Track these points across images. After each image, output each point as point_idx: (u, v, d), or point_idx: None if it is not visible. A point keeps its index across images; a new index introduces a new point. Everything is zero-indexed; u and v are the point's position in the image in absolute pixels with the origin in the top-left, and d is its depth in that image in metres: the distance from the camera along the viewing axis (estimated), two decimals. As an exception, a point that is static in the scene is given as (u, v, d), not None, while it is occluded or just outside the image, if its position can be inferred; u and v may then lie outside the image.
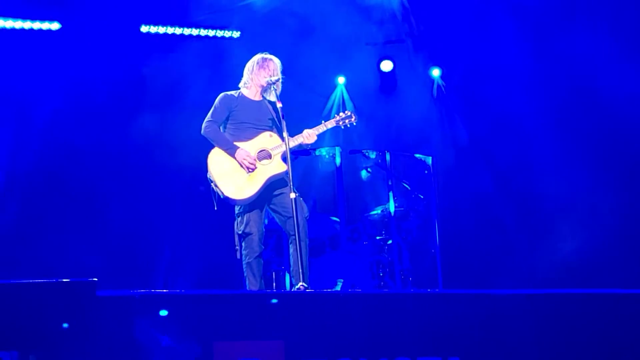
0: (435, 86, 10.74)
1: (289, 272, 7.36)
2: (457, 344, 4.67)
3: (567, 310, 4.90)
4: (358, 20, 9.92)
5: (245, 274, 6.01)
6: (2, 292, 3.90)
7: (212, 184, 5.95)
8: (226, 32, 9.78)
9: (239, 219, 6.01)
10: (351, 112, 6.41)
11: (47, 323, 3.85)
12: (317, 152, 8.55)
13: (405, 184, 9.03)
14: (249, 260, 5.97)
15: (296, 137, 6.10)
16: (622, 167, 9.54)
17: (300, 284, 5.69)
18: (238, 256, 6.02)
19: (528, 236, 10.28)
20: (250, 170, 5.91)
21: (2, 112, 8.89)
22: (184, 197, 9.21)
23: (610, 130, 9.50)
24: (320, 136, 6.32)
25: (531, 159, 10.24)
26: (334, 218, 8.75)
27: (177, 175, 9.21)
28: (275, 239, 8.51)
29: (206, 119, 6.07)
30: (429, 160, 9.05)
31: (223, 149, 5.97)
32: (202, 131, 6.05)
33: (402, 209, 8.89)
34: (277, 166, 6.00)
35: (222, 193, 5.89)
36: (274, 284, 8.22)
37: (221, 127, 6.12)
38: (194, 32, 9.69)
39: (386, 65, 10.61)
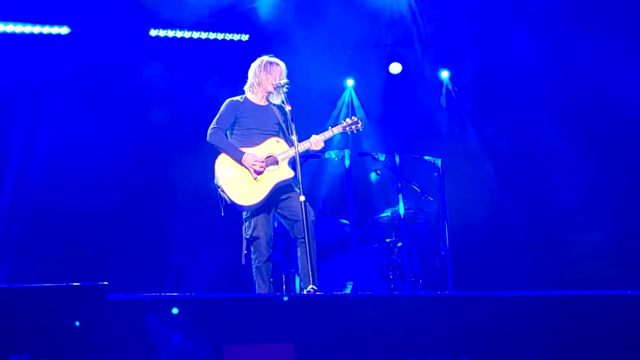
0: (444, 88, 10.74)
1: (298, 275, 7.36)
2: (467, 346, 4.66)
3: (577, 311, 4.88)
4: (367, 22, 9.92)
5: (254, 278, 6.00)
6: (14, 296, 3.92)
7: (219, 190, 5.94)
8: (235, 35, 9.81)
9: (247, 223, 6.00)
10: (358, 118, 6.40)
11: (58, 327, 3.87)
12: (326, 155, 8.55)
13: (414, 186, 9.02)
14: (258, 264, 5.97)
15: (303, 142, 6.06)
16: (634, 169, 9.49)
17: (310, 286, 5.69)
18: (243, 261, 6.02)
19: (538, 238, 10.26)
20: (258, 174, 5.90)
21: (14, 116, 8.93)
22: (194, 201, 9.22)
23: (622, 133, 9.46)
24: (329, 139, 6.31)
25: (541, 160, 10.22)
26: (344, 221, 8.75)
27: (186, 179, 9.23)
28: (284, 242, 8.51)
29: (211, 126, 6.03)
30: (439, 162, 9.04)
31: (229, 156, 5.96)
32: (207, 138, 6.01)
33: (412, 211, 8.88)
34: (284, 172, 5.99)
35: (230, 199, 5.88)
36: (284, 287, 8.22)
37: (227, 133, 6.10)
38: (203, 35, 9.71)
39: (395, 68, 10.61)
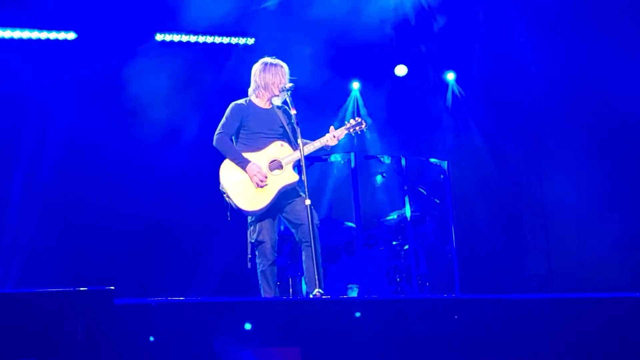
0: (450, 90, 10.73)
1: (304, 279, 7.35)
2: (475, 350, 4.64)
3: (586, 314, 4.86)
4: (372, 25, 9.92)
5: (259, 282, 6.00)
6: (21, 301, 3.92)
7: (224, 195, 5.94)
8: (240, 39, 9.82)
9: (252, 227, 6.00)
10: (362, 119, 6.37)
11: (64, 332, 3.87)
12: (331, 158, 8.54)
13: (421, 189, 9.01)
14: (263, 268, 5.97)
15: (318, 140, 6.04)
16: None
17: (317, 290, 5.68)
18: (249, 265, 6.02)
19: (545, 240, 10.24)
20: (260, 186, 5.89)
21: (22, 121, 8.96)
22: (201, 205, 9.23)
23: (629, 135, 9.43)
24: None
25: (548, 162, 10.20)
26: (350, 224, 8.75)
27: (193, 183, 9.24)
28: (290, 246, 8.51)
29: (217, 131, 6.01)
30: (445, 164, 9.03)
31: (234, 162, 5.95)
32: (213, 142, 6.00)
33: (418, 213, 8.87)
34: (288, 176, 5.97)
35: (235, 204, 5.88)
36: (290, 290, 8.22)
37: (232, 138, 6.10)
38: (209, 39, 9.73)
39: (401, 70, 10.60)
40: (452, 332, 4.66)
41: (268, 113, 6.12)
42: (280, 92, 6.08)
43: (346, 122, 6.35)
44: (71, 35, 9.09)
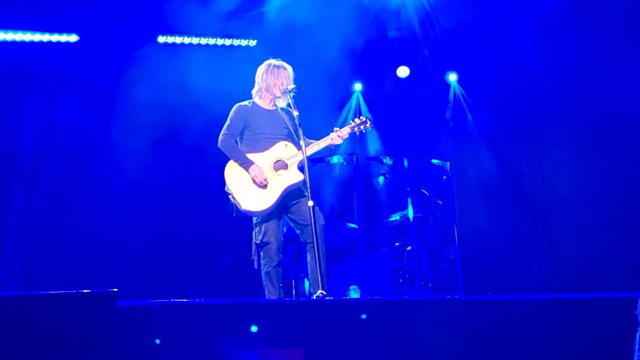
0: (452, 91, 10.73)
1: (308, 280, 7.36)
2: (478, 350, 4.64)
3: (588, 315, 4.86)
4: (374, 26, 9.93)
5: (264, 283, 6.00)
6: (24, 304, 3.93)
7: (229, 196, 5.95)
8: (242, 40, 9.83)
9: (257, 228, 6.01)
10: (366, 118, 6.36)
11: (67, 334, 3.88)
12: (334, 159, 8.54)
13: (423, 190, 9.01)
14: (268, 270, 5.97)
15: (323, 139, 6.06)
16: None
17: (320, 291, 5.68)
18: (255, 266, 6.01)
19: (547, 241, 10.23)
20: (262, 187, 5.90)
21: (23, 124, 8.97)
22: (204, 206, 9.23)
23: (632, 136, 9.42)
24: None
25: (550, 163, 10.19)
26: (352, 225, 8.74)
27: (196, 184, 9.25)
28: (294, 247, 8.51)
29: (222, 132, 6.04)
30: (447, 165, 9.03)
31: (238, 164, 5.96)
32: (218, 144, 6.03)
33: (421, 215, 8.87)
34: (293, 176, 5.98)
35: (240, 205, 5.89)
36: (294, 292, 8.22)
37: (237, 139, 6.10)
38: (211, 41, 9.73)
39: (403, 71, 10.61)
40: (455, 332, 4.66)
41: (271, 114, 6.14)
42: (282, 93, 6.10)
43: (350, 122, 6.35)
44: (73, 38, 9.10)
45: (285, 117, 6.14)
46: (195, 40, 9.68)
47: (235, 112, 6.10)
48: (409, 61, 10.60)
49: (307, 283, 7.88)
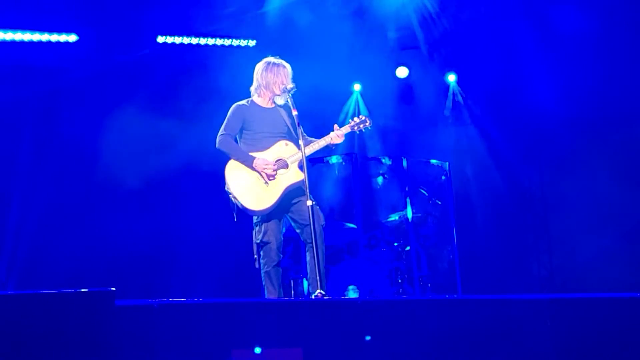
0: (450, 91, 10.73)
1: (307, 280, 7.36)
2: (477, 350, 4.64)
3: (587, 315, 4.85)
4: (373, 27, 9.93)
5: (264, 283, 5.99)
6: (22, 303, 3.92)
7: (230, 196, 5.93)
8: (242, 41, 9.82)
9: (257, 228, 5.99)
10: (365, 117, 6.35)
11: (66, 333, 3.87)
12: (333, 159, 8.55)
13: (422, 190, 9.02)
14: (268, 269, 5.95)
15: (324, 138, 6.04)
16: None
17: (318, 291, 5.67)
18: (257, 265, 5.99)
19: (546, 241, 10.23)
20: (271, 178, 5.88)
21: (22, 123, 8.97)
22: (202, 206, 9.24)
23: (632, 136, 9.43)
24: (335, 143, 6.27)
25: (549, 163, 10.20)
26: (351, 225, 8.74)
27: (195, 183, 9.25)
28: (293, 247, 8.51)
29: (220, 132, 5.99)
30: (446, 165, 9.03)
31: (240, 161, 5.93)
32: (216, 144, 5.99)
33: (420, 215, 8.87)
34: (294, 175, 5.97)
35: (241, 205, 5.86)
36: (292, 292, 8.22)
37: (237, 138, 6.07)
38: (210, 41, 9.73)
39: (402, 72, 10.61)
40: (453, 332, 4.65)
41: (271, 112, 6.11)
42: (282, 92, 6.07)
43: (350, 120, 6.34)
44: (73, 38, 9.10)
45: (285, 115, 6.10)
46: (194, 41, 9.68)
47: (233, 112, 6.07)
48: (408, 62, 10.61)
49: (305, 283, 7.88)
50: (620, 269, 9.09)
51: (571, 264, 9.77)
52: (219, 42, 9.76)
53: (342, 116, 10.52)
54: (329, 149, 6.23)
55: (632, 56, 9.24)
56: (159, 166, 9.26)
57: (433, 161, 9.07)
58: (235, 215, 5.94)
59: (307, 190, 5.75)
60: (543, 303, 4.90)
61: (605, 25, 9.35)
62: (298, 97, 6.10)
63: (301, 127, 5.88)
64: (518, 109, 10.41)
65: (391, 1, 9.83)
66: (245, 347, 4.29)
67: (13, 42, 8.86)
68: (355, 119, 6.31)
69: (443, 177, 9.04)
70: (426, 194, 9.00)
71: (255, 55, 6.50)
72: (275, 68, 6.09)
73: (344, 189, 9.42)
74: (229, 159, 5.97)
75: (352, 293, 8.25)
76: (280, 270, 6.07)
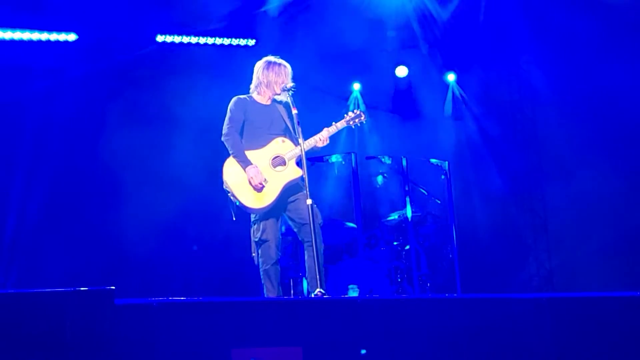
0: (450, 91, 10.73)
1: (306, 279, 7.35)
2: (476, 349, 4.64)
3: (586, 314, 4.85)
4: (373, 26, 9.93)
5: (262, 281, 5.99)
6: (21, 301, 3.92)
7: (228, 194, 5.93)
8: (242, 40, 9.82)
9: (255, 226, 5.99)
10: (360, 111, 6.35)
11: (65, 332, 3.87)
12: (332, 158, 8.54)
13: (422, 189, 9.02)
14: (266, 268, 5.95)
15: (309, 140, 6.06)
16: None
17: (318, 290, 5.67)
18: (256, 262, 6.00)
19: (545, 240, 10.24)
20: (257, 190, 5.87)
21: (21, 122, 8.97)
22: (202, 204, 9.23)
23: (630, 135, 9.43)
24: (335, 141, 6.29)
25: (548, 163, 10.21)
26: (351, 224, 8.74)
27: (194, 182, 9.24)
28: (292, 246, 8.50)
29: (226, 125, 6.00)
30: (446, 165, 9.03)
31: (237, 161, 5.93)
32: (222, 137, 6.00)
33: (419, 214, 8.87)
34: (292, 172, 5.97)
35: (240, 202, 5.86)
36: (292, 291, 8.22)
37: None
38: (210, 41, 9.73)
39: (401, 71, 10.61)
40: (453, 332, 4.65)
41: (269, 109, 6.12)
42: (282, 91, 6.08)
43: (345, 115, 6.34)
44: (72, 37, 9.10)
45: (283, 112, 6.11)
46: (194, 40, 9.67)
47: (235, 104, 6.07)
48: (407, 61, 10.61)
49: (305, 282, 7.87)
50: (618, 268, 9.09)
51: (571, 264, 9.77)
52: (219, 41, 9.76)
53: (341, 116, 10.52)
54: (328, 148, 6.24)
55: (632, 56, 9.24)
56: (159, 165, 9.26)
57: (433, 160, 9.06)
58: (233, 214, 5.94)
59: (307, 189, 5.75)
60: (542, 302, 4.89)
61: (605, 25, 9.34)
62: (297, 96, 6.10)
63: (300, 127, 5.88)
64: (518, 109, 10.41)
65: (391, 0, 9.83)
66: (245, 346, 4.29)
67: (12, 41, 8.86)
68: (350, 113, 6.32)
69: (443, 176, 9.02)
70: (426, 193, 9.00)
71: (255, 55, 6.51)
72: (277, 67, 6.10)
73: (344, 188, 9.42)
74: (228, 156, 5.98)
75: (352, 292, 8.25)
76: (279, 268, 6.08)
